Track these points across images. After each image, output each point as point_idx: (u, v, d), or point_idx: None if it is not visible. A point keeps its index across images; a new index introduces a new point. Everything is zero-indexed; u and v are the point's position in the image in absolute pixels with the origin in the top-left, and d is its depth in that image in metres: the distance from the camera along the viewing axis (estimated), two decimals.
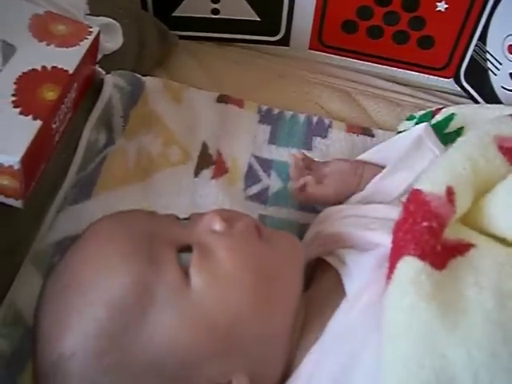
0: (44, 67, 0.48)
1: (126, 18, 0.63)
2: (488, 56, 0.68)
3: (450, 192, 0.39)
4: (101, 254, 0.42)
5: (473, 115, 0.62)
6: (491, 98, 0.70)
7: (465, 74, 0.74)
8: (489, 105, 0.68)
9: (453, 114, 0.63)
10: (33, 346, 0.42)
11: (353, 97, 0.73)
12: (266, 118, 0.67)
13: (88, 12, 0.58)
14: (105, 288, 0.40)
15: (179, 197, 0.59)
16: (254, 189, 0.62)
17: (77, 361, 0.39)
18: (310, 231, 0.55)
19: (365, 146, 0.65)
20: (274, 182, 0.63)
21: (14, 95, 0.45)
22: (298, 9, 0.73)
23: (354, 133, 0.67)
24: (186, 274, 0.41)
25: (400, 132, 0.65)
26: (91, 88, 0.57)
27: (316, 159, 0.61)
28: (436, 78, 0.76)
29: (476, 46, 0.70)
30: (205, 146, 0.63)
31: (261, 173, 0.63)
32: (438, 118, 0.64)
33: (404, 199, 0.41)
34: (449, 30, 0.71)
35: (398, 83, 0.77)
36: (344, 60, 0.77)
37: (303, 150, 0.64)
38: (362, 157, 0.60)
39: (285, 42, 0.77)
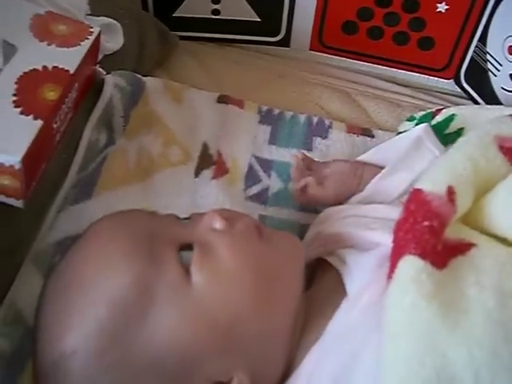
0: (45, 67, 0.48)
1: (126, 19, 0.63)
2: (488, 57, 0.69)
3: (450, 192, 0.39)
4: (102, 253, 0.42)
5: (473, 116, 0.62)
6: (491, 98, 0.70)
7: (465, 75, 0.74)
8: (489, 106, 0.68)
9: (453, 114, 0.63)
10: (33, 346, 0.42)
11: (353, 97, 0.74)
12: (266, 118, 0.67)
13: (89, 12, 0.58)
14: (106, 287, 0.40)
15: (179, 197, 0.59)
16: (254, 189, 0.62)
17: (78, 360, 0.39)
18: (311, 231, 0.55)
19: (365, 146, 0.65)
20: (274, 183, 0.63)
21: (14, 95, 0.45)
22: (298, 9, 0.73)
23: (354, 133, 0.67)
24: (186, 272, 0.41)
25: (400, 133, 0.65)
26: (92, 88, 0.57)
27: (316, 159, 0.61)
28: (436, 78, 0.76)
29: (476, 47, 0.70)
30: (205, 147, 0.64)
31: (261, 173, 0.63)
32: (439, 118, 0.64)
33: (405, 199, 0.41)
34: (449, 31, 0.71)
35: (398, 84, 0.77)
36: (344, 61, 0.77)
37: (303, 151, 0.64)
38: (362, 157, 0.60)
39: (285, 42, 0.77)
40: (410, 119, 0.68)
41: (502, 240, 0.39)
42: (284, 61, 0.78)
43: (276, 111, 0.68)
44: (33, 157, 0.45)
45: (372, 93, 0.75)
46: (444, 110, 0.64)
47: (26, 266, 0.50)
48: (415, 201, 0.39)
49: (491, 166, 0.41)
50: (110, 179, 0.57)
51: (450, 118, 0.63)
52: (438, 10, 0.69)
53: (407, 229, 0.38)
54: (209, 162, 0.63)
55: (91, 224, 0.46)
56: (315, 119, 0.68)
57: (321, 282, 0.50)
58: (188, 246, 0.42)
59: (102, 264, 0.41)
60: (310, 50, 0.78)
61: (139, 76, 0.62)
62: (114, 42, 0.61)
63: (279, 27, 0.76)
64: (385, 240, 0.43)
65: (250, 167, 0.63)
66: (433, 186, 0.40)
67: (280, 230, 0.50)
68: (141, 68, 0.66)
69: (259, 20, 0.76)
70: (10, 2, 0.51)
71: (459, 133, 0.61)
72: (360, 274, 0.44)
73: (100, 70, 0.58)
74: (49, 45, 0.50)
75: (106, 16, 0.59)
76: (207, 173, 0.62)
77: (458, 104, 0.72)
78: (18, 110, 0.45)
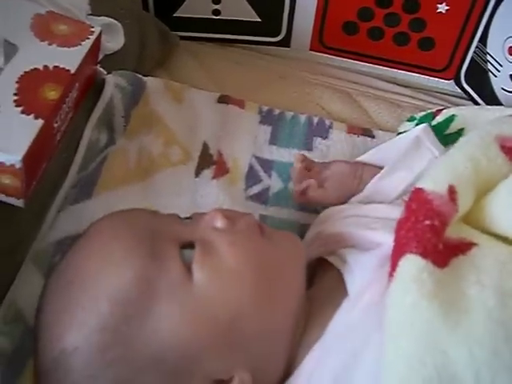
0: (46, 67, 0.48)
1: (127, 19, 0.63)
2: (488, 58, 0.69)
3: (451, 191, 0.39)
4: (104, 250, 0.42)
5: (473, 117, 0.62)
6: (491, 99, 0.70)
7: (465, 76, 0.74)
8: (489, 106, 0.68)
9: (453, 115, 0.63)
10: (34, 344, 0.42)
11: (353, 98, 0.74)
12: (266, 118, 0.67)
13: (89, 12, 0.58)
14: (108, 284, 0.40)
15: (180, 197, 0.59)
16: (255, 189, 0.62)
17: (79, 356, 0.39)
18: (311, 231, 0.55)
19: (365, 146, 0.66)
20: (274, 183, 0.63)
21: (15, 94, 0.45)
22: (298, 10, 0.73)
23: (355, 134, 0.67)
24: (188, 269, 0.41)
25: (400, 133, 0.65)
26: (92, 88, 0.57)
27: (316, 160, 0.61)
28: (436, 79, 0.76)
29: (476, 47, 0.70)
30: (205, 147, 0.64)
31: (261, 173, 0.63)
32: (439, 119, 0.64)
33: (406, 198, 0.41)
34: (449, 32, 0.71)
35: (398, 84, 0.77)
36: (345, 61, 0.77)
37: (304, 151, 0.64)
38: (362, 158, 0.60)
39: (286, 43, 0.77)
40: (411, 119, 0.68)
41: (503, 239, 0.39)
42: (284, 61, 0.78)
43: (276, 111, 0.68)
44: (33, 156, 0.45)
45: (372, 93, 0.75)
46: (444, 111, 0.64)
47: (26, 265, 0.50)
48: (417, 200, 0.39)
49: (492, 166, 0.41)
50: (110, 179, 0.57)
51: (451, 119, 0.63)
52: (439, 10, 0.69)
53: (408, 228, 0.38)
54: (209, 161, 0.63)
55: (92, 223, 0.46)
56: (316, 119, 0.68)
57: (322, 281, 0.50)
58: (190, 245, 0.43)
59: (104, 261, 0.42)
60: (311, 50, 0.78)
61: (140, 76, 0.62)
62: (114, 41, 0.61)
63: (280, 27, 0.76)
64: (386, 240, 0.43)
65: (251, 167, 0.63)
66: (434, 185, 0.40)
67: (280, 229, 0.50)
68: (141, 68, 0.66)
69: (260, 20, 0.76)
70: (11, 2, 0.51)
71: (459, 133, 0.61)
72: (361, 273, 0.44)
73: (101, 69, 0.58)
74: (50, 44, 0.50)
75: (106, 16, 0.59)
76: (207, 173, 0.62)
77: (458, 104, 0.72)
78: (19, 109, 0.45)
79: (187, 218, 0.47)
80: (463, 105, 0.72)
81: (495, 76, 0.68)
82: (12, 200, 0.46)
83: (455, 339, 0.33)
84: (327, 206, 0.57)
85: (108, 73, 0.59)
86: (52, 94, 0.47)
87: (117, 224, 0.45)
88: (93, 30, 0.52)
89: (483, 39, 0.69)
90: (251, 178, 0.63)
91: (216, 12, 0.75)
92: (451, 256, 0.37)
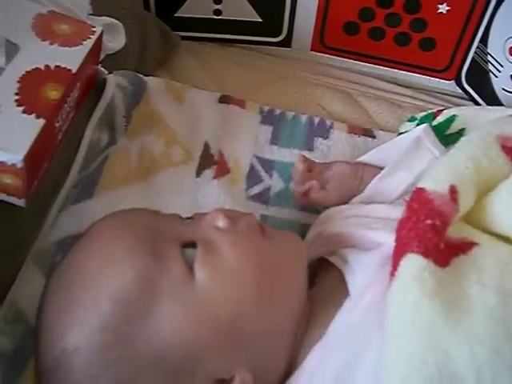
0: (47, 66, 0.48)
1: (128, 19, 0.63)
2: (489, 58, 0.69)
3: (453, 191, 0.39)
4: (106, 250, 0.42)
5: (474, 117, 0.62)
6: (492, 99, 0.70)
7: (466, 76, 0.74)
8: (490, 107, 0.68)
9: (454, 115, 0.63)
10: (36, 344, 0.42)
11: (354, 98, 0.74)
12: (267, 118, 0.67)
13: (91, 12, 0.58)
14: (109, 283, 0.40)
15: (181, 197, 0.59)
16: (256, 189, 0.62)
17: (80, 355, 0.39)
18: (312, 231, 0.55)
19: (366, 147, 0.66)
20: (275, 183, 0.63)
21: (17, 94, 0.46)
22: (299, 10, 0.73)
23: (356, 134, 0.67)
24: (190, 269, 0.41)
25: (401, 133, 0.65)
26: (94, 88, 0.57)
27: (317, 160, 0.61)
28: (437, 79, 0.76)
29: (477, 48, 0.70)
30: (207, 146, 0.64)
31: (262, 173, 0.63)
32: (440, 119, 0.64)
33: (407, 198, 0.41)
34: (450, 32, 0.71)
35: (399, 85, 0.77)
36: (346, 61, 0.77)
37: (305, 151, 0.64)
38: (363, 158, 0.60)
39: (287, 43, 0.77)
40: (411, 120, 0.68)
41: (504, 239, 0.39)
42: (285, 61, 0.78)
43: (277, 111, 0.68)
44: (35, 156, 0.45)
45: (373, 93, 0.75)
46: (445, 111, 0.64)
47: (27, 264, 0.50)
48: (418, 200, 0.39)
49: (493, 166, 0.41)
50: (111, 179, 0.57)
51: (451, 119, 0.63)
52: (440, 10, 0.69)
53: (410, 227, 0.38)
54: (210, 161, 0.63)
55: (93, 223, 0.46)
56: (317, 119, 0.68)
57: (323, 281, 0.50)
58: (191, 244, 0.43)
59: (105, 261, 0.42)
60: (312, 50, 0.78)
61: (141, 76, 0.62)
62: (115, 41, 0.61)
63: (281, 28, 0.76)
64: (386, 240, 0.43)
65: (252, 167, 0.64)
66: (435, 185, 0.40)
67: (281, 229, 0.50)
68: (143, 68, 0.66)
69: (261, 20, 0.76)
70: (13, 2, 0.51)
71: (460, 133, 0.61)
72: (362, 273, 0.44)
73: (102, 69, 0.58)
74: (51, 44, 0.50)
75: (108, 16, 0.59)
76: (208, 172, 0.62)
77: (458, 105, 0.72)
78: (21, 108, 0.45)
79: (188, 218, 0.47)
80: (464, 105, 0.72)
81: (496, 76, 0.68)
82: (13, 199, 0.46)
83: (456, 338, 0.34)
84: (328, 206, 0.57)
85: (109, 72, 0.59)
86: (53, 93, 0.47)
87: (118, 224, 0.45)
88: (94, 29, 0.52)
89: (484, 40, 0.69)
90: (252, 178, 0.63)
91: (217, 12, 0.75)
92: (452, 255, 0.37)
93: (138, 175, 0.59)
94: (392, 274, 0.37)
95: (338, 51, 0.77)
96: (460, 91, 0.75)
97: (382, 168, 0.57)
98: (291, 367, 0.43)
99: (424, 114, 0.67)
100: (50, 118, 0.46)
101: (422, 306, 0.34)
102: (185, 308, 0.40)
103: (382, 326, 0.37)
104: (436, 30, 0.71)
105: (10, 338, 0.46)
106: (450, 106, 0.71)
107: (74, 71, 0.49)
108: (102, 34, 0.53)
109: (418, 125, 0.65)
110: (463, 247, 0.38)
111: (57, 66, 0.48)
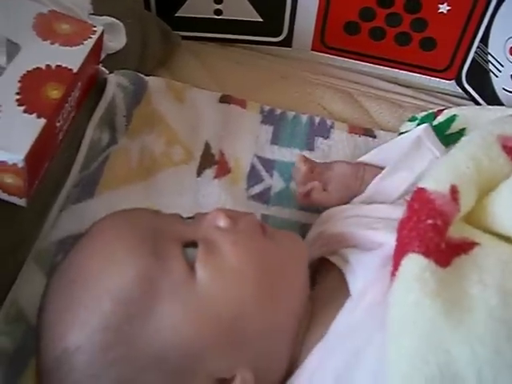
0: (48, 66, 0.48)
1: (129, 18, 0.63)
2: (490, 58, 0.69)
3: (454, 190, 0.39)
4: (107, 249, 0.42)
5: (474, 117, 0.62)
6: (493, 99, 0.70)
7: (466, 76, 0.74)
8: (490, 106, 0.68)
9: (455, 115, 0.63)
10: (36, 343, 0.42)
11: (355, 98, 0.74)
12: (268, 118, 0.67)
13: (91, 11, 0.58)
14: (111, 283, 0.40)
15: (182, 196, 0.59)
16: (257, 188, 0.62)
17: (82, 355, 0.39)
18: (313, 231, 0.55)
19: (367, 146, 0.66)
20: (276, 182, 0.63)
21: (18, 93, 0.46)
22: (300, 10, 0.73)
23: (356, 134, 0.67)
24: (191, 268, 0.41)
25: (402, 133, 0.65)
26: (94, 87, 0.57)
27: (318, 160, 0.61)
28: (438, 79, 0.76)
29: (478, 47, 0.70)
30: (207, 146, 0.64)
31: (263, 173, 0.63)
32: (440, 119, 0.64)
33: (408, 198, 0.41)
34: (451, 32, 0.71)
35: (399, 85, 0.77)
36: (346, 61, 0.77)
37: (305, 151, 0.64)
38: (363, 158, 0.60)
39: (287, 43, 0.77)
40: (412, 119, 0.68)
41: (506, 239, 0.39)
42: (286, 61, 0.78)
43: (278, 111, 0.68)
44: (36, 155, 0.45)
45: (374, 93, 0.75)
46: (445, 111, 0.64)
47: (28, 264, 0.50)
48: (419, 199, 0.39)
49: (494, 166, 0.41)
50: (112, 178, 0.57)
51: (452, 119, 0.63)
52: (440, 10, 0.69)
53: (411, 227, 0.38)
54: (211, 161, 0.63)
55: (94, 222, 0.46)
56: (317, 119, 0.68)
57: (324, 281, 0.50)
58: (192, 244, 0.43)
59: (106, 260, 0.42)
60: (312, 50, 0.78)
61: (142, 75, 0.62)
62: (116, 41, 0.61)
63: (281, 27, 0.76)
64: (387, 240, 0.43)
65: (253, 167, 0.64)
66: (436, 184, 0.40)
67: (282, 229, 0.50)
68: (143, 67, 0.66)
69: (261, 20, 0.76)
70: (14, 1, 0.51)
71: (461, 133, 0.61)
72: (363, 273, 0.44)
73: (103, 69, 0.58)
74: (52, 44, 0.50)
75: (108, 15, 0.59)
76: (209, 172, 0.62)
77: (459, 105, 0.72)
78: (22, 108, 0.45)
79: (189, 218, 0.47)
80: (464, 105, 0.72)
81: (496, 76, 0.68)
82: (14, 199, 0.46)
83: (458, 338, 0.33)
84: (329, 207, 0.57)
85: (110, 72, 0.59)
86: (54, 93, 0.47)
87: (119, 223, 0.45)
88: (95, 29, 0.52)
89: (484, 39, 0.69)
90: (253, 177, 0.63)
91: (218, 12, 0.75)
92: (453, 255, 0.37)
93: (139, 175, 0.59)
94: (393, 274, 0.37)
95: (339, 51, 0.77)
96: (460, 91, 0.75)
97: (382, 168, 0.57)
98: (292, 366, 0.43)
99: (424, 113, 0.67)
100: (50, 117, 0.46)
101: (423, 305, 0.34)
102: (186, 307, 0.40)
103: (382, 325, 0.37)
104: (436, 30, 0.71)
105: (11, 337, 0.46)
106: (451, 105, 0.71)
107: (74, 71, 0.49)
108: (102, 33, 0.53)
109: (418, 124, 0.65)
110: (464, 247, 0.38)
111: (58, 66, 0.48)
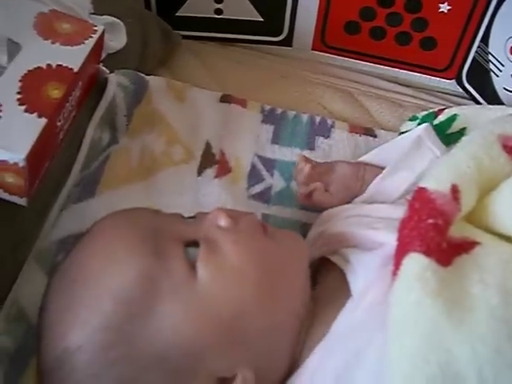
0: (49, 65, 0.48)
1: (129, 18, 0.63)
2: (490, 57, 0.69)
3: (454, 190, 0.39)
4: (108, 249, 0.42)
5: (475, 116, 0.62)
6: (493, 99, 0.70)
7: (467, 76, 0.74)
8: (491, 106, 0.68)
9: (455, 114, 0.63)
10: (37, 342, 0.42)
11: (355, 97, 0.74)
12: (268, 117, 0.67)
13: (92, 11, 0.58)
14: (112, 282, 0.40)
15: (182, 196, 0.59)
16: (257, 188, 0.62)
17: (83, 354, 0.39)
18: (313, 231, 0.55)
19: (367, 146, 0.66)
20: (276, 182, 0.63)
21: (19, 93, 0.46)
22: (301, 9, 0.73)
23: (357, 133, 0.67)
24: (192, 268, 0.41)
25: (402, 133, 0.65)
26: (95, 87, 0.57)
27: (318, 159, 0.61)
28: (438, 79, 0.76)
29: (478, 47, 0.70)
30: (208, 146, 0.64)
31: (264, 172, 0.63)
32: (441, 118, 0.64)
33: (409, 197, 0.41)
34: (451, 32, 0.71)
35: (400, 84, 0.77)
36: (346, 61, 0.77)
37: (306, 150, 0.65)
38: (364, 158, 0.60)
39: (288, 42, 0.77)
40: (413, 119, 0.68)
41: (507, 238, 0.39)
42: (286, 60, 0.78)
43: (279, 110, 0.68)
44: (37, 155, 0.45)
45: (374, 93, 0.75)
46: (446, 110, 0.64)
47: (28, 263, 0.50)
48: (420, 199, 0.39)
49: (495, 165, 0.41)
50: (112, 178, 0.57)
51: (453, 118, 0.63)
52: (441, 10, 0.69)
53: (412, 227, 0.38)
54: (211, 160, 0.63)
55: (95, 222, 0.46)
56: (318, 119, 0.68)
57: (325, 281, 0.50)
58: (193, 243, 0.43)
59: (107, 260, 0.42)
60: (313, 49, 0.78)
61: (142, 75, 0.62)
62: (117, 40, 0.61)
63: (282, 27, 0.76)
64: (388, 239, 0.43)
65: (253, 166, 0.63)
66: (437, 184, 0.40)
67: (283, 228, 0.50)
68: (144, 67, 0.66)
69: (262, 20, 0.76)
70: (14, 1, 0.51)
71: (462, 133, 0.61)
72: (364, 273, 0.44)
73: (103, 68, 0.58)
74: (53, 43, 0.50)
75: (109, 15, 0.59)
76: (210, 172, 0.62)
77: (459, 104, 0.72)
78: (23, 107, 0.45)
79: (190, 218, 0.47)
80: (465, 104, 0.72)
81: (497, 76, 0.68)
82: (15, 198, 0.46)
83: (459, 337, 0.33)
84: (330, 207, 0.57)
85: (110, 72, 0.59)
86: (55, 92, 0.47)
87: (120, 223, 0.45)
88: (96, 28, 0.53)
89: (485, 39, 0.69)
90: (253, 177, 0.63)
91: (218, 11, 0.75)
92: (454, 255, 0.37)
93: (140, 174, 0.59)
94: (394, 274, 0.37)
95: (339, 50, 0.77)
96: (461, 90, 0.75)
97: (383, 168, 0.57)
98: (293, 366, 0.43)
99: (425, 113, 0.67)
100: (51, 117, 0.46)
101: (424, 305, 0.34)
102: (187, 307, 0.40)
103: (383, 325, 0.37)
104: (437, 30, 0.71)
105: (12, 337, 0.46)
106: (451, 105, 0.72)
107: (75, 70, 0.49)
108: (103, 33, 0.53)
109: (419, 124, 0.65)
110: (465, 246, 0.38)
111: (58, 65, 0.48)
